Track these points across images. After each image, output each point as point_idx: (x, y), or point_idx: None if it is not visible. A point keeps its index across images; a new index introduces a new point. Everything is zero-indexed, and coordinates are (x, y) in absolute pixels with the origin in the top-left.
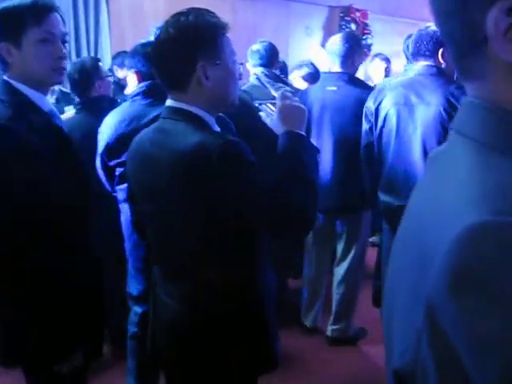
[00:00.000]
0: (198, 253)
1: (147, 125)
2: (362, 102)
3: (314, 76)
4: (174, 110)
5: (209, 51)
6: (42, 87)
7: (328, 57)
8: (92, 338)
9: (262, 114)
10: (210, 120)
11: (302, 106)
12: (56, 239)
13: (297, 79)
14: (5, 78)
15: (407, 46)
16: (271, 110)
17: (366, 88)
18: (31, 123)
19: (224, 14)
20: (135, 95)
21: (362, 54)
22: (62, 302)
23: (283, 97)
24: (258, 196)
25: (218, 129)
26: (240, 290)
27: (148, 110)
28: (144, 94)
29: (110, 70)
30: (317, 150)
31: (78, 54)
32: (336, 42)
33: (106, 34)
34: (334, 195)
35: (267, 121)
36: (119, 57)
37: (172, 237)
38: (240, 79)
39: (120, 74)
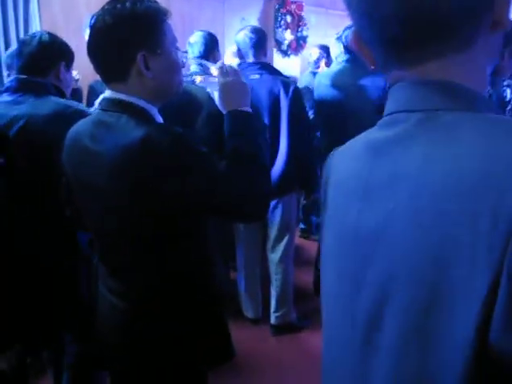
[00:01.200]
0: (143, 249)
1: (6, 126)
2: (286, 88)
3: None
4: (113, 102)
5: (149, 40)
6: None
7: (241, 49)
8: (32, 332)
9: (208, 89)
10: (153, 111)
11: (244, 80)
12: None
13: (229, 55)
14: None
15: (346, 37)
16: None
17: (284, 76)
18: None
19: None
20: (3, 91)
21: (266, 45)
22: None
23: (223, 73)
24: (215, 184)
25: (160, 119)
26: (193, 282)
27: (9, 108)
28: (12, 89)
29: None
30: (264, 125)
31: (7, 45)
32: (246, 34)
33: (36, 23)
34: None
35: (215, 96)
36: None
37: (115, 233)
38: (183, 67)
39: None
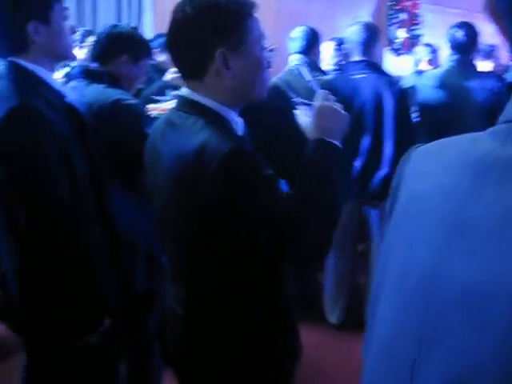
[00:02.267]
0: (200, 257)
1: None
2: (391, 88)
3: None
4: (186, 102)
5: (231, 36)
6: (55, 64)
7: (348, 45)
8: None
9: (297, 112)
10: (229, 115)
11: (344, 112)
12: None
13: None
14: (13, 59)
15: (452, 36)
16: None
17: (390, 75)
18: (51, 104)
19: (268, 2)
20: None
21: (377, 44)
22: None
23: (324, 97)
24: (270, 214)
25: (239, 124)
26: (256, 296)
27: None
28: (73, 76)
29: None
30: (350, 165)
31: None
32: (356, 31)
33: (148, 17)
34: (366, 179)
35: (302, 120)
36: (159, 39)
37: (175, 239)
38: (269, 67)
39: (160, 57)
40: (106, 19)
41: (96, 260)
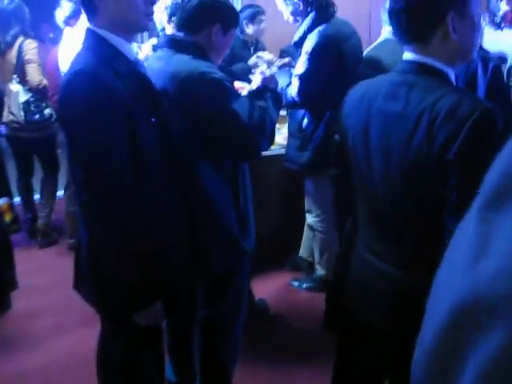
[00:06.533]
0: (421, 216)
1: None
2: (484, 65)
3: None
4: (417, 65)
5: (459, 1)
6: (130, 34)
7: None
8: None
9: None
10: (451, 75)
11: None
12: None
13: None
14: (90, 27)
15: None
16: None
17: (486, 51)
18: (117, 70)
19: None
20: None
21: None
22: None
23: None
24: None
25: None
26: None
27: (155, 64)
28: (160, 45)
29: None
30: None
31: None
32: None
33: None
34: None
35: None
36: (248, 9)
37: (394, 197)
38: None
39: (249, 29)
40: None
41: (165, 235)
